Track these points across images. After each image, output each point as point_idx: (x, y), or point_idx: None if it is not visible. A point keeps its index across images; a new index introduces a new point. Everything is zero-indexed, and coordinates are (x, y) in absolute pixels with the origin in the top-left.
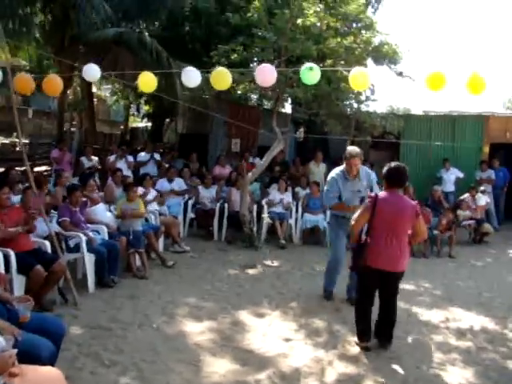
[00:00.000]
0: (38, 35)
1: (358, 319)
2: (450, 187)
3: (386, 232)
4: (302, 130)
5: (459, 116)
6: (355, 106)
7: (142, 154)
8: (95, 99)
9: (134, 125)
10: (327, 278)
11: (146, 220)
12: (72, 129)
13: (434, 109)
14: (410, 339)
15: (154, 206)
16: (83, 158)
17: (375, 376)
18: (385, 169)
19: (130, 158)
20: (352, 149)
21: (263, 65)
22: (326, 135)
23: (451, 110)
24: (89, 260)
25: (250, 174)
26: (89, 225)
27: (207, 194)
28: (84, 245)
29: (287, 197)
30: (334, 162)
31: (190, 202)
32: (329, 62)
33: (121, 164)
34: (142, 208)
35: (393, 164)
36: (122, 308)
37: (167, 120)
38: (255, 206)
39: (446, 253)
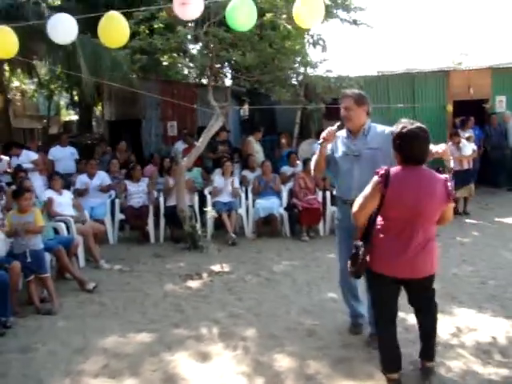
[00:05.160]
0: None
1: (380, 342)
2: None
3: (404, 224)
4: (246, 106)
5: (418, 74)
6: (303, 70)
7: (57, 147)
8: (17, 92)
9: (68, 118)
10: (345, 302)
11: (57, 232)
12: None
13: (389, 69)
14: (413, 367)
15: (70, 211)
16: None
17: None
18: (394, 131)
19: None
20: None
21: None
22: (271, 106)
23: (408, 69)
24: None
25: (184, 158)
26: None
27: (136, 188)
28: None
29: (234, 182)
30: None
31: (118, 201)
32: (268, 16)
33: None
34: (38, 220)
35: (404, 124)
36: (6, 373)
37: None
38: (196, 198)
39: None
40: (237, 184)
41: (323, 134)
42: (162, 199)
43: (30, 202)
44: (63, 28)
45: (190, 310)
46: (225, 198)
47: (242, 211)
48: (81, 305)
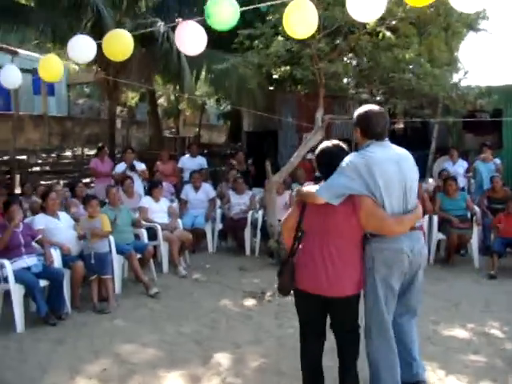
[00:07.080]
0: None
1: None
2: None
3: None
4: (400, 120)
5: None
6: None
7: (186, 157)
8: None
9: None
10: None
11: (138, 238)
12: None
13: None
14: None
15: (163, 219)
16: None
17: None
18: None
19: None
20: None
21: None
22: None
23: None
24: (16, 292)
25: (277, 174)
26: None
27: (238, 200)
28: (10, 274)
29: None
30: (436, 152)
31: (219, 211)
32: (371, 24)
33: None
34: (105, 225)
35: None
36: (26, 359)
37: None
38: None
39: None
40: None
41: None
42: (260, 212)
43: (97, 208)
44: (80, 48)
45: (223, 328)
46: None
47: None
48: (135, 308)
